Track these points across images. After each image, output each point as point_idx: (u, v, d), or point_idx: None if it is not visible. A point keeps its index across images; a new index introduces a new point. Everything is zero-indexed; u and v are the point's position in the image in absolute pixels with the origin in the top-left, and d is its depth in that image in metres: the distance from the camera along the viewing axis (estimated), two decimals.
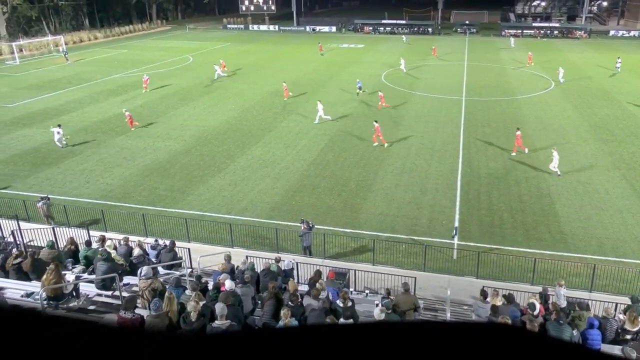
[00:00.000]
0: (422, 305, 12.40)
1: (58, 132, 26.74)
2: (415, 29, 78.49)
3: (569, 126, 29.67)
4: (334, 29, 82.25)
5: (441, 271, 15.35)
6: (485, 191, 21.17)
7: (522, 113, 32.47)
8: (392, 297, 11.92)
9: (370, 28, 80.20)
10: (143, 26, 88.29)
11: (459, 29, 78.40)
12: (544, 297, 12.84)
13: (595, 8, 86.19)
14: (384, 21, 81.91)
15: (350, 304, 11.09)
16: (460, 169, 23.27)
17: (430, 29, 77.76)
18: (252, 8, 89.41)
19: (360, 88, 37.43)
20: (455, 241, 16.62)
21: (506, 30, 74.21)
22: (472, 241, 17.22)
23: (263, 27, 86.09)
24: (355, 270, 14.23)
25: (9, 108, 34.77)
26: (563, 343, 0.67)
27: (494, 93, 37.79)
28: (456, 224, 17.34)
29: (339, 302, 11.14)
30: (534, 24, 77.72)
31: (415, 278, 13.27)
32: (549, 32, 72.95)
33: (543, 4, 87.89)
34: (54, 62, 53.18)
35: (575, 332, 10.71)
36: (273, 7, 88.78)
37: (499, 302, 11.90)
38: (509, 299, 12.15)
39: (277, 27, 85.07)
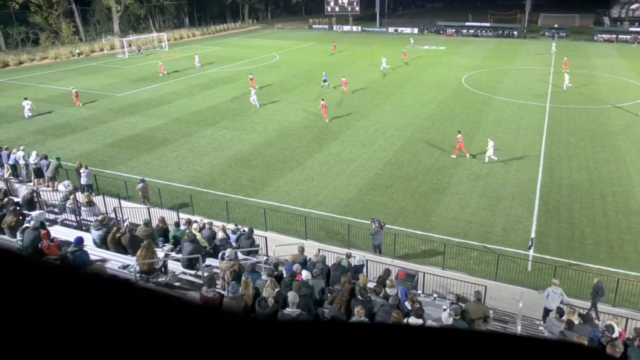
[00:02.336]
0: (491, 315, 11.79)
1: (27, 104, 28.52)
2: (500, 32, 74.70)
3: None
4: (415, 30, 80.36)
5: (514, 282, 14.50)
6: (566, 203, 19.68)
7: (611, 123, 29.80)
8: (461, 304, 11.44)
9: (453, 30, 77.44)
10: (236, 25, 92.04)
11: (546, 33, 73.42)
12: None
13: None
14: (467, 23, 78.74)
15: (418, 306, 10.80)
16: (540, 178, 21.81)
17: (515, 32, 73.70)
18: (336, 9, 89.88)
19: (325, 81, 38.58)
20: (531, 253, 15.59)
21: (599, 35, 68.47)
22: (548, 254, 16.09)
23: (346, 28, 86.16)
24: (424, 272, 13.82)
25: (117, 97, 37.65)
26: None
27: (582, 100, 34.98)
28: (532, 235, 16.27)
29: (407, 304, 10.88)
30: (630, 29, 70.91)
31: (485, 287, 12.65)
32: None
33: None
34: (157, 57, 56.83)
35: None
36: (357, 9, 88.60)
37: (575, 320, 11.03)
38: (586, 318, 11.21)
39: (360, 27, 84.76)
